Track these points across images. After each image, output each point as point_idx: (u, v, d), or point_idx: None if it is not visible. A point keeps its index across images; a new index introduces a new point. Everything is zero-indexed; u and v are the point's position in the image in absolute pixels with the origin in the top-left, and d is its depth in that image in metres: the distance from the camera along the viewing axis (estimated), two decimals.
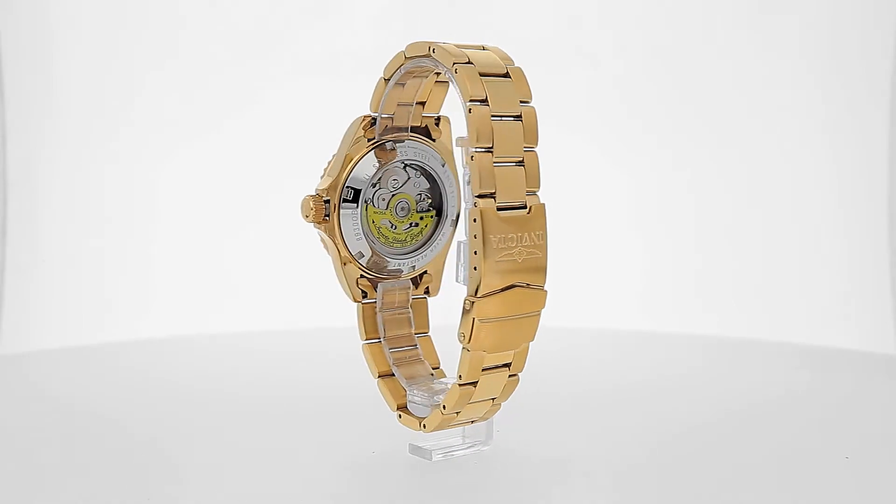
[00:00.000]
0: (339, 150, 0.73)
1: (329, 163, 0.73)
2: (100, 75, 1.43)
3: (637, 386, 0.95)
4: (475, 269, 0.65)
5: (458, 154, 0.67)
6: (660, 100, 1.47)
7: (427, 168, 0.75)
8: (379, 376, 0.75)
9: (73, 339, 1.36)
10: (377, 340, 0.75)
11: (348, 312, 0.76)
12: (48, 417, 0.84)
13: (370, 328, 0.75)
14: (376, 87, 0.72)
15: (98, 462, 0.73)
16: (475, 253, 0.65)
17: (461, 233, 0.67)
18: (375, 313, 0.75)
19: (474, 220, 0.65)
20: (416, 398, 0.73)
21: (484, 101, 0.65)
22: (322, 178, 0.73)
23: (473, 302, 0.65)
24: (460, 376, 0.67)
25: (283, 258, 1.38)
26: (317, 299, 1.10)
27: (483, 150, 0.65)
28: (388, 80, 0.72)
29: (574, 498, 0.67)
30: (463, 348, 0.66)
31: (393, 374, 0.75)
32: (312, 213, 0.72)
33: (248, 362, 1.07)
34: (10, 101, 1.38)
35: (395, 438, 0.75)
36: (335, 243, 0.73)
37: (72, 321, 1.43)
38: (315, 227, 0.73)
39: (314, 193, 0.72)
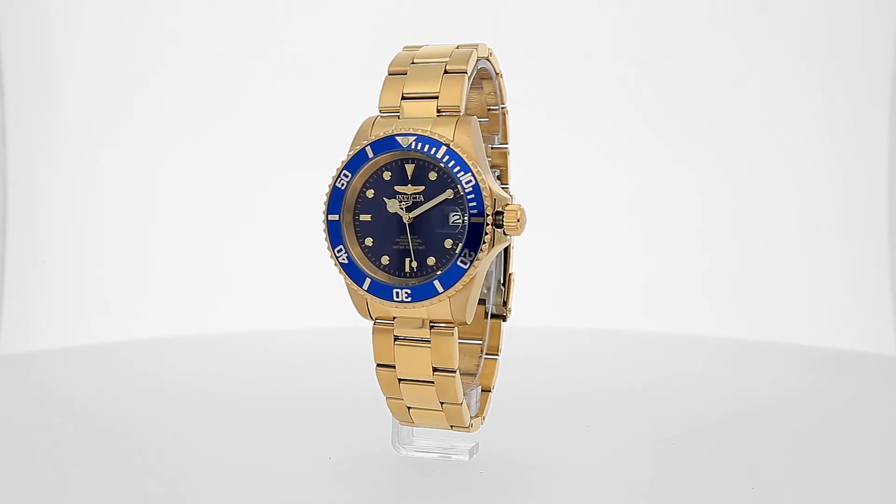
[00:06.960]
0: (482, 154, 0.61)
1: (482, 171, 0.61)
2: (99, 75, 1.43)
3: (637, 387, 0.95)
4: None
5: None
6: (661, 98, 1.47)
7: None
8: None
9: (73, 339, 1.36)
10: None
11: (347, 312, 0.72)
12: (48, 417, 0.84)
13: None
14: (461, 84, 0.62)
15: (98, 462, 0.73)
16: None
17: None
18: None
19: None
20: (470, 399, 0.71)
21: None
22: (491, 184, 0.61)
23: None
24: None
25: (283, 258, 1.38)
26: (316, 299, 1.10)
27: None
28: (471, 76, 0.63)
29: (574, 498, 0.67)
30: (504, 322, 0.73)
31: None
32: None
33: (248, 362, 1.07)
34: (9, 101, 1.38)
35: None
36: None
37: (72, 321, 1.43)
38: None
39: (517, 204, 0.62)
